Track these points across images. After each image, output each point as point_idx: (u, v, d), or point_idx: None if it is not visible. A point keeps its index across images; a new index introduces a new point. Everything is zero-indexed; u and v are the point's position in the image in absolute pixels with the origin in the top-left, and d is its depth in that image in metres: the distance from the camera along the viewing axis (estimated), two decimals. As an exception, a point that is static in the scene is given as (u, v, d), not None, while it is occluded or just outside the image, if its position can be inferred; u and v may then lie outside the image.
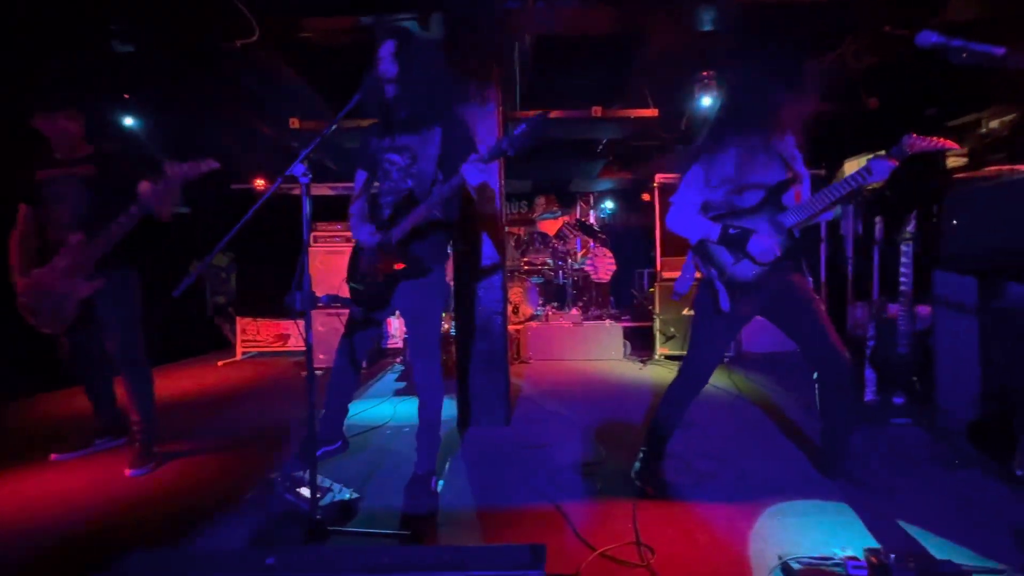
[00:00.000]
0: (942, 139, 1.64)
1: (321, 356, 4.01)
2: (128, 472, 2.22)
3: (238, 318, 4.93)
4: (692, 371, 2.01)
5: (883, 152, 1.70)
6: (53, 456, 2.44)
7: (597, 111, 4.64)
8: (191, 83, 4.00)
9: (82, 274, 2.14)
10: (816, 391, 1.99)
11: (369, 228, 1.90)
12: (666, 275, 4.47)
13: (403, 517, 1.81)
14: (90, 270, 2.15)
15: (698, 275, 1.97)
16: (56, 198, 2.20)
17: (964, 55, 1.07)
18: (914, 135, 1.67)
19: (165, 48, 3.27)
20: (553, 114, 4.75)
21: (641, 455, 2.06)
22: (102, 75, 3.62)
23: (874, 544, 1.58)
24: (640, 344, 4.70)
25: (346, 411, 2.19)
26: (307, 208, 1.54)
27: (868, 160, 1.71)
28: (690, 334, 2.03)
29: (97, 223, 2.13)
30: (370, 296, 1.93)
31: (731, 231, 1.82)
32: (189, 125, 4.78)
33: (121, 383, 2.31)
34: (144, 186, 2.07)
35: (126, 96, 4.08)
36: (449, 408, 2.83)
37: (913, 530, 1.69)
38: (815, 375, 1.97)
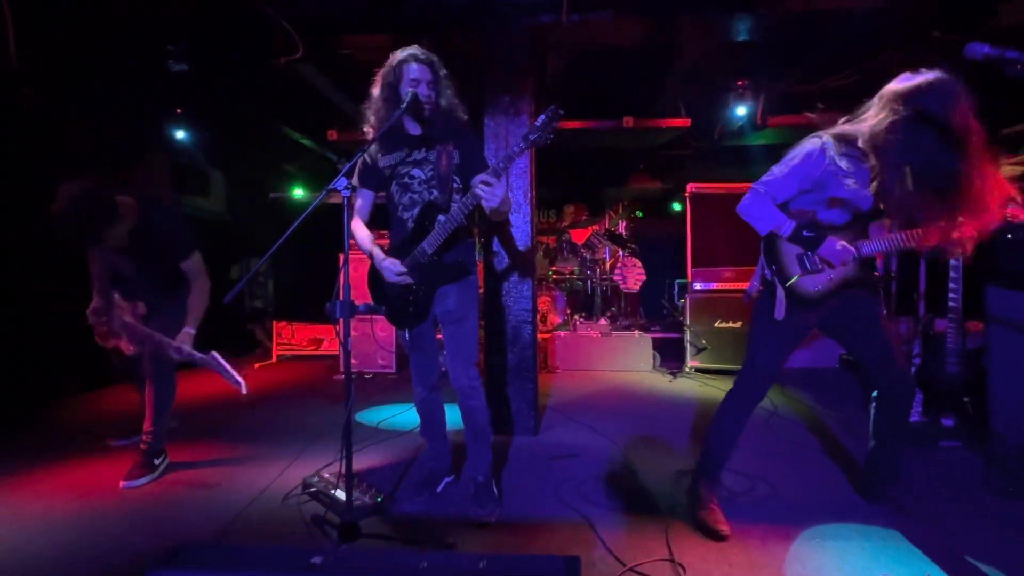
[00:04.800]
0: (1013, 188, 1.58)
1: (354, 361, 4.10)
2: (123, 483, 2.19)
3: (274, 322, 5.11)
4: (749, 382, 1.88)
5: None
6: (109, 440, 2.70)
7: (629, 121, 4.63)
8: (234, 96, 4.21)
9: (132, 338, 2.27)
10: (872, 410, 1.91)
11: (392, 262, 1.86)
12: (697, 286, 4.39)
13: (473, 524, 1.85)
14: (137, 339, 2.26)
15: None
16: (108, 258, 2.30)
17: (1018, 67, 1.03)
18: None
19: (216, 66, 3.46)
20: (584, 123, 4.77)
21: (691, 480, 1.97)
22: (158, 94, 3.86)
23: (926, 572, 1.50)
24: (670, 356, 4.62)
25: (446, 438, 2.17)
26: (348, 221, 1.60)
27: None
28: (748, 342, 1.89)
29: (148, 292, 2.28)
30: (412, 312, 1.93)
31: (806, 232, 1.71)
32: (230, 136, 5.02)
33: (147, 391, 2.35)
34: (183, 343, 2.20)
35: (178, 111, 4.32)
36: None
37: (972, 561, 1.60)
38: (874, 393, 1.89)
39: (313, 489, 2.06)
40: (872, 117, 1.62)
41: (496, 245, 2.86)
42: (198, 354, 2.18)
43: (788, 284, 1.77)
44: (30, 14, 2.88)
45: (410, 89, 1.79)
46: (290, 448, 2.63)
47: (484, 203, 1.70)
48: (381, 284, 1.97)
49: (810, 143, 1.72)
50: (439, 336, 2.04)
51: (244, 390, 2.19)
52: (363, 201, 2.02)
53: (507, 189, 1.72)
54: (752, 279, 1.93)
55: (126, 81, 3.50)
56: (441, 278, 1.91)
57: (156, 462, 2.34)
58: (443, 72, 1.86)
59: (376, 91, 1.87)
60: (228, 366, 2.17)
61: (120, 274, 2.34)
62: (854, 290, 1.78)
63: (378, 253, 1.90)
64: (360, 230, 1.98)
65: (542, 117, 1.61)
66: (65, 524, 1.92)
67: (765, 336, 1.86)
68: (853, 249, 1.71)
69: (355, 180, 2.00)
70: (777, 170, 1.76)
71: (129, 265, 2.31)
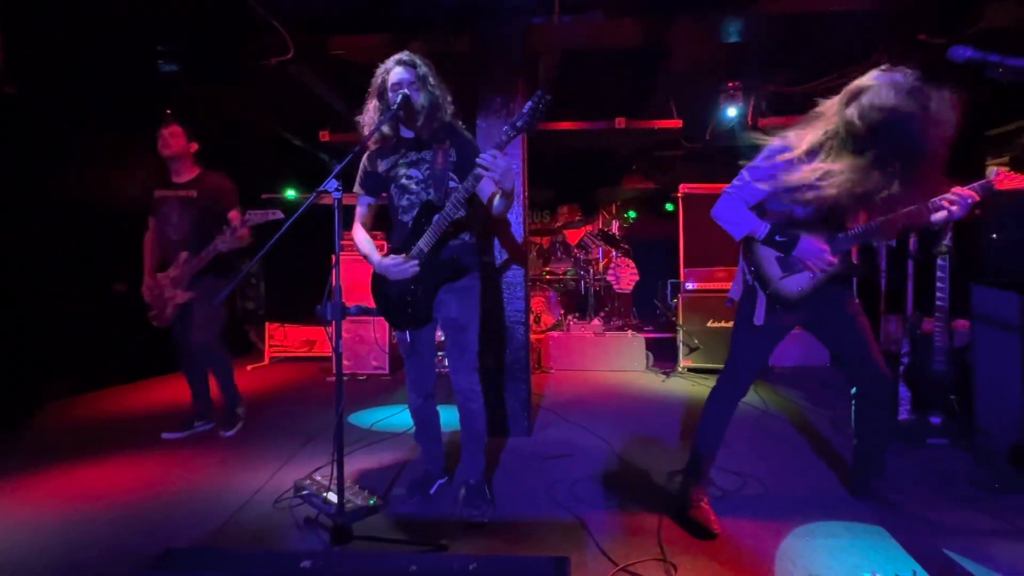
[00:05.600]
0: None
1: (347, 363, 4.09)
2: (223, 432, 2.77)
3: (267, 324, 5.07)
4: (732, 382, 1.92)
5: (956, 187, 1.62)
6: (163, 435, 2.80)
7: (621, 122, 4.65)
8: (226, 96, 4.18)
9: (182, 284, 2.61)
10: (852, 407, 1.93)
11: (393, 259, 1.86)
12: (689, 286, 4.42)
13: (465, 526, 1.85)
14: (188, 282, 2.61)
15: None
16: (166, 218, 2.67)
17: (1000, 70, 1.05)
18: (1003, 171, 1.58)
19: (207, 66, 3.44)
20: (577, 124, 4.79)
21: (681, 478, 2.00)
22: (151, 93, 3.83)
23: (912, 569, 1.52)
24: (663, 355, 4.64)
25: (440, 441, 2.18)
26: (339, 222, 1.60)
27: (949, 193, 1.63)
28: (731, 342, 1.93)
29: (197, 242, 2.59)
30: (411, 313, 1.92)
31: (778, 237, 1.72)
32: (222, 136, 4.98)
33: (210, 373, 2.81)
34: (226, 232, 2.57)
35: (168, 111, 4.28)
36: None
37: (955, 557, 1.63)
38: (853, 390, 1.92)
39: (305, 492, 2.05)
40: (821, 127, 1.66)
41: (489, 246, 2.86)
42: (237, 222, 2.51)
43: (769, 290, 1.79)
44: (22, 13, 2.85)
45: (399, 92, 1.79)
46: (282, 450, 2.61)
47: (488, 175, 1.67)
48: (382, 288, 1.96)
49: (776, 143, 1.75)
50: (439, 339, 2.04)
51: (281, 214, 2.46)
52: (363, 207, 2.04)
53: (509, 166, 1.68)
54: (733, 284, 1.95)
55: (119, 79, 3.47)
56: (439, 275, 1.89)
57: (239, 411, 2.84)
58: (424, 71, 1.86)
59: (368, 101, 1.91)
60: (258, 211, 2.49)
61: (171, 240, 2.66)
62: (834, 286, 1.80)
63: (375, 256, 1.91)
64: (360, 235, 1.99)
65: (528, 103, 1.61)
66: (55, 527, 1.90)
67: (747, 338, 1.89)
68: (828, 247, 1.72)
69: (356, 187, 2.02)
70: (747, 173, 1.77)
71: (185, 223, 2.63)
